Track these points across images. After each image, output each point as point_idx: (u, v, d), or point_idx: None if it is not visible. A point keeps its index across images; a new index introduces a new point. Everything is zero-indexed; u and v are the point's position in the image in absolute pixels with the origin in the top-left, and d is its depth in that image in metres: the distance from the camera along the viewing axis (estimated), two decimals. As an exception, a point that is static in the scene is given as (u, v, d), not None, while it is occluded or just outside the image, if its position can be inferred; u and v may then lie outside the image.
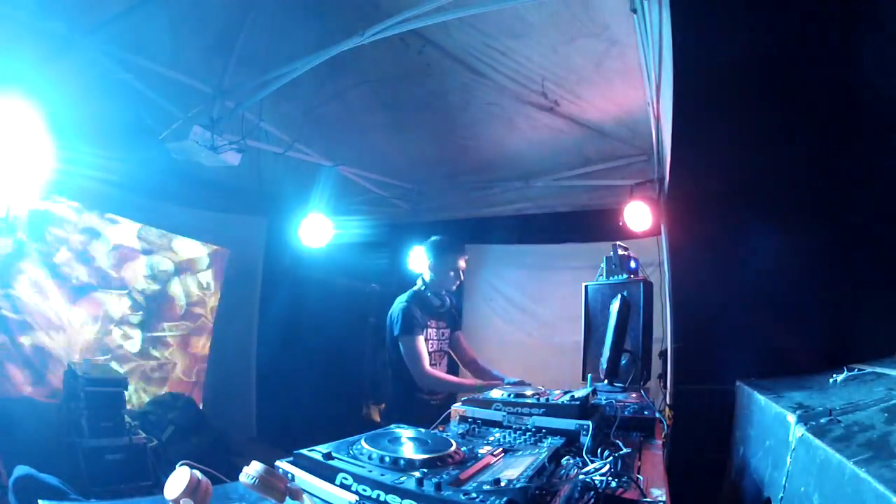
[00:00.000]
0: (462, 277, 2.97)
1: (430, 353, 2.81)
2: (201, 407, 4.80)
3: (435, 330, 2.90)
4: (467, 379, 2.78)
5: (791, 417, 1.43)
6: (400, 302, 2.84)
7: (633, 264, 3.15)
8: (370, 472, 0.88)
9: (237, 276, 5.38)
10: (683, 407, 3.00)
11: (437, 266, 2.89)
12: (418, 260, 3.13)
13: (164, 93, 3.23)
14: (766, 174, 2.83)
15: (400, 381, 2.79)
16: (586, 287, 3.28)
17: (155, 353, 4.81)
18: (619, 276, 3.13)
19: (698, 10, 2.12)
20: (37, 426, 3.51)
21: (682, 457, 2.74)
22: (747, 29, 2.44)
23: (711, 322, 2.98)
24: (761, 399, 1.88)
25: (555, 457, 1.16)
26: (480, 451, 1.13)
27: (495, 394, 1.65)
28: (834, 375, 1.89)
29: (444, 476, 0.89)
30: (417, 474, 0.87)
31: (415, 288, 2.92)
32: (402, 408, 2.76)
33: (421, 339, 2.74)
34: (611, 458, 1.16)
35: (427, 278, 2.92)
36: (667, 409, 3.02)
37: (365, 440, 1.03)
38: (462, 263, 2.93)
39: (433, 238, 2.97)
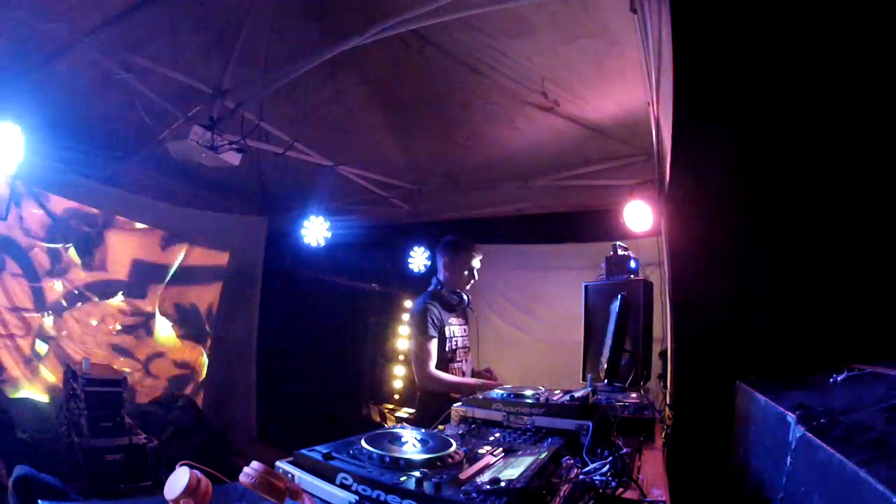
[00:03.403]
0: (476, 277, 2.98)
1: (456, 350, 2.83)
2: (201, 407, 4.80)
3: (458, 327, 2.91)
4: (469, 379, 2.78)
5: (791, 417, 1.43)
6: (419, 302, 2.86)
7: (633, 264, 3.15)
8: (370, 472, 0.88)
9: (237, 276, 5.38)
10: (683, 407, 2.99)
11: (452, 265, 2.91)
12: (434, 259, 3.16)
13: (164, 93, 3.23)
14: (766, 173, 2.82)
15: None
16: (586, 287, 3.28)
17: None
18: (619, 276, 3.13)
19: (698, 10, 2.11)
20: (37, 426, 3.50)
21: (682, 457, 2.73)
22: (748, 28, 2.43)
23: (711, 322, 2.96)
24: (761, 399, 1.87)
25: (555, 457, 1.16)
26: (480, 451, 1.12)
27: (495, 394, 1.65)
28: (834, 375, 1.88)
29: (444, 476, 0.89)
30: (417, 474, 0.87)
31: (430, 288, 2.94)
32: (438, 410, 2.63)
33: (434, 341, 2.74)
34: (611, 458, 1.16)
35: (442, 277, 2.94)
36: (667, 409, 3.02)
37: (365, 440, 1.03)
38: (476, 263, 2.95)
39: (448, 238, 2.99)
